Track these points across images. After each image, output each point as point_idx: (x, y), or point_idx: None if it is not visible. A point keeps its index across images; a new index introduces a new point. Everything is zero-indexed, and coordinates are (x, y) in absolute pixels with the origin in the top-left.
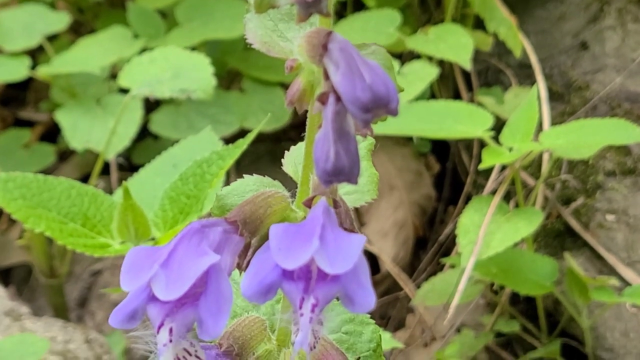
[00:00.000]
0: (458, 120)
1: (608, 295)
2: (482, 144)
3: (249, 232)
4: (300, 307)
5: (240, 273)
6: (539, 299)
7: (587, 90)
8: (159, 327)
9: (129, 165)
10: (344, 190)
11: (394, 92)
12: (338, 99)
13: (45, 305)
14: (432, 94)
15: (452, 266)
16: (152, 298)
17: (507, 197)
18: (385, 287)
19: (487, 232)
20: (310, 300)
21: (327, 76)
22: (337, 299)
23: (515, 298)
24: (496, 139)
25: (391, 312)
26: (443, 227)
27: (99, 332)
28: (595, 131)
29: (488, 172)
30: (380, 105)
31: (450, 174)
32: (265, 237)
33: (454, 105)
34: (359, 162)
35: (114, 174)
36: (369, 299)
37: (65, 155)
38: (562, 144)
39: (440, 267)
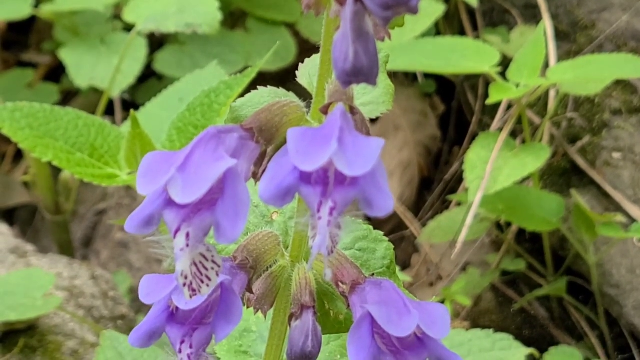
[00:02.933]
0: (465, 57)
1: (615, 231)
2: (488, 84)
3: (264, 140)
4: (318, 211)
5: (255, 183)
6: (545, 237)
7: (593, 30)
8: (176, 232)
9: (133, 106)
10: (360, 101)
11: None
12: None
13: (50, 246)
14: (437, 32)
15: (459, 204)
16: (169, 203)
17: (514, 135)
18: (391, 226)
19: (494, 168)
20: (328, 204)
21: None
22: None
23: (521, 237)
24: (503, 75)
25: (396, 251)
26: (448, 168)
27: (104, 271)
28: (602, 66)
29: (494, 111)
30: (400, 3)
31: (455, 114)
32: (281, 147)
33: (460, 42)
34: (377, 63)
35: (118, 113)
36: (387, 202)
37: (69, 95)
38: (570, 79)
39: (446, 206)
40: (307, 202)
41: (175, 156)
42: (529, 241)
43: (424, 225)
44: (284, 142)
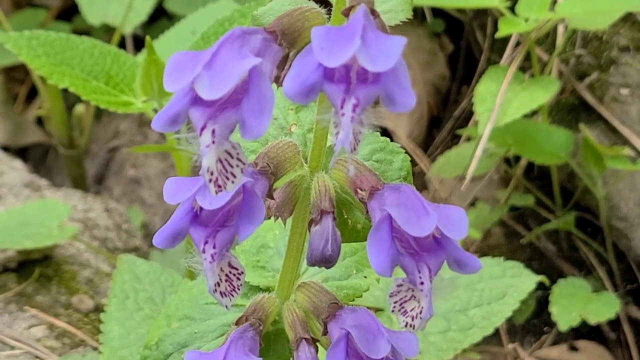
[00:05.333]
0: None
1: (623, 163)
2: (496, 23)
3: (287, 43)
4: (342, 107)
5: (278, 87)
6: (553, 171)
7: None
8: (202, 130)
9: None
10: (379, 9)
11: None
12: None
13: (63, 183)
14: None
15: (468, 140)
16: (195, 101)
17: (522, 71)
18: None
19: (503, 100)
20: (351, 101)
21: None
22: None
23: (529, 173)
24: (512, 10)
25: None
26: (457, 106)
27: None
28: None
29: (502, 49)
30: None
31: (464, 53)
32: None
33: None
34: None
35: (130, 51)
36: (410, 99)
37: (81, 34)
38: (578, 13)
39: (455, 143)
40: (331, 100)
41: (202, 55)
42: (537, 177)
43: (433, 161)
44: (306, 46)
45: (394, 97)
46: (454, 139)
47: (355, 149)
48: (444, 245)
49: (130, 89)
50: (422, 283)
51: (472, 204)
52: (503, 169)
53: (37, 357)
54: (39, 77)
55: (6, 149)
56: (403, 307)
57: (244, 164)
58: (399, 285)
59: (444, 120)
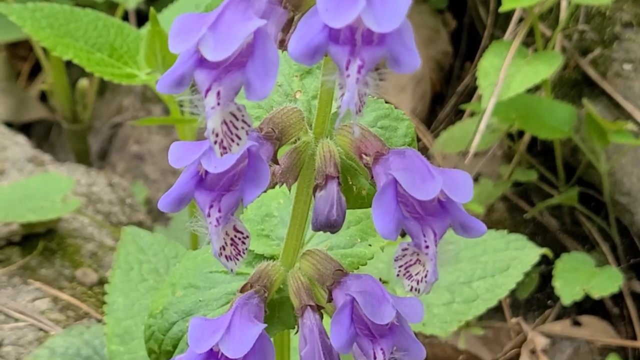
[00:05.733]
0: None
1: (626, 137)
2: None
3: (292, 6)
4: (347, 69)
5: (282, 50)
6: (556, 147)
7: None
8: (207, 92)
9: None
10: None
11: None
12: None
13: (67, 159)
14: None
15: (472, 115)
16: (200, 63)
17: (526, 46)
18: None
19: (507, 75)
20: (356, 62)
21: None
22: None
23: (532, 148)
24: None
25: None
26: (460, 83)
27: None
28: None
29: (505, 25)
30: None
31: (467, 29)
32: None
33: None
34: None
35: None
36: (415, 59)
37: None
38: None
39: (458, 118)
40: (336, 61)
41: (206, 17)
42: (540, 153)
43: (436, 137)
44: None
45: (399, 58)
46: (457, 115)
47: (360, 110)
48: (449, 209)
49: (134, 61)
50: (427, 247)
51: (476, 179)
52: (506, 145)
53: (41, 329)
54: (43, 51)
55: (9, 125)
56: (408, 271)
57: (249, 126)
58: (404, 250)
59: (447, 96)
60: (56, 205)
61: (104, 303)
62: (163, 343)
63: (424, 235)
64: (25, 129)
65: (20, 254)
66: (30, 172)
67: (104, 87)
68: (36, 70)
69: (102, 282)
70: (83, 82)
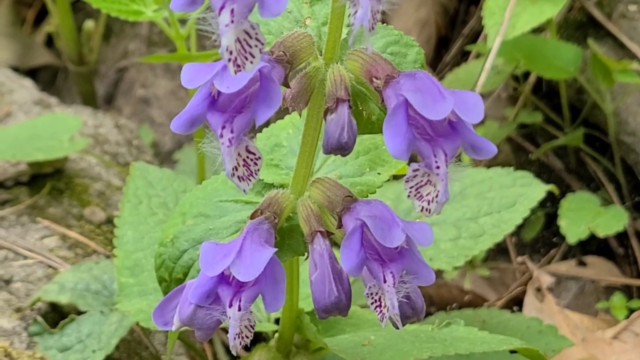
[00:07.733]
0: None
1: (632, 76)
2: None
3: None
4: None
5: None
6: (562, 88)
7: None
8: (221, 9)
9: None
10: None
11: None
12: None
13: (73, 103)
14: None
15: (477, 57)
16: None
17: None
18: None
19: (512, 14)
20: None
21: None
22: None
23: (538, 90)
24: None
25: None
26: (465, 26)
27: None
28: None
29: None
30: None
31: None
32: None
33: None
34: None
35: None
36: None
37: None
38: None
39: (464, 61)
40: None
41: None
42: (545, 95)
43: (441, 79)
44: None
45: None
46: (463, 57)
47: (373, 28)
48: (460, 130)
49: None
50: (437, 167)
51: (481, 121)
52: (511, 87)
53: (50, 266)
54: None
55: (16, 70)
56: (419, 192)
57: (262, 44)
58: (415, 170)
59: (452, 40)
60: (63, 144)
61: (112, 240)
62: (174, 271)
63: (435, 156)
64: (31, 74)
65: (29, 194)
66: (37, 114)
67: (109, 32)
68: (41, 17)
69: (110, 220)
70: (89, 24)
